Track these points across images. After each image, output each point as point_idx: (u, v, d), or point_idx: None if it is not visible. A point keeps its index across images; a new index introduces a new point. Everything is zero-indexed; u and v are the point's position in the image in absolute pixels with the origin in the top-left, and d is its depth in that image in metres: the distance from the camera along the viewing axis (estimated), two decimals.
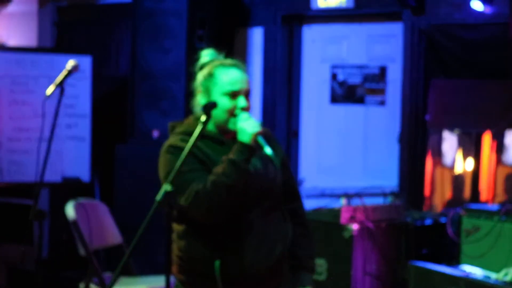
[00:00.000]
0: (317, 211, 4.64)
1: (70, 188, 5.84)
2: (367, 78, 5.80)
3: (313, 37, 6.09)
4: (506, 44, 4.97)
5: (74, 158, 5.82)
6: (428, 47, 5.31)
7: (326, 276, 4.52)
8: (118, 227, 4.93)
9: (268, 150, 2.68)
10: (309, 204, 5.66)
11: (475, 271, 4.17)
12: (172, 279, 2.81)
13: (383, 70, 5.73)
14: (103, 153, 6.02)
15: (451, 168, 5.34)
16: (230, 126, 2.77)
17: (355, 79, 5.85)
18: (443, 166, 5.36)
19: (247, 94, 2.80)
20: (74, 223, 4.50)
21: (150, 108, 5.61)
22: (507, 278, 3.92)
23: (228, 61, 2.85)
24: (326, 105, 6.00)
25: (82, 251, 4.54)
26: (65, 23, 6.85)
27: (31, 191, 5.58)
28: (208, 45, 5.58)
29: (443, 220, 4.79)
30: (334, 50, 5.96)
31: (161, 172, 2.82)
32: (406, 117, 5.40)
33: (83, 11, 6.83)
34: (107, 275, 4.61)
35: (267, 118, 5.97)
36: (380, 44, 5.75)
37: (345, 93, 5.91)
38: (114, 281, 2.56)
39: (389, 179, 5.52)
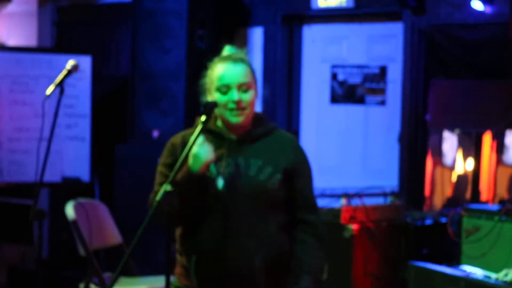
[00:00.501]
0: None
1: (70, 188, 5.83)
2: (367, 78, 5.79)
3: (313, 37, 6.08)
4: (506, 44, 4.97)
5: (74, 158, 5.82)
6: (428, 47, 5.31)
7: (326, 276, 4.51)
8: (118, 227, 4.93)
9: (220, 182, 2.66)
10: None
11: (475, 271, 4.16)
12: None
13: (383, 70, 5.73)
14: (103, 153, 6.01)
15: (452, 168, 5.33)
16: (231, 120, 2.75)
17: (355, 79, 5.85)
18: (443, 166, 5.35)
19: (246, 88, 2.73)
20: (74, 223, 4.50)
21: (150, 108, 5.61)
22: (508, 278, 3.91)
23: (226, 55, 2.79)
24: (326, 105, 6.00)
25: (82, 251, 4.53)
26: (65, 23, 6.85)
27: (31, 191, 5.58)
28: (208, 45, 5.63)
29: (443, 220, 4.79)
30: (334, 50, 5.96)
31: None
32: (406, 117, 5.40)
33: (83, 11, 6.82)
34: (107, 275, 4.60)
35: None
36: (380, 44, 5.75)
37: (345, 93, 5.90)
38: (114, 281, 2.55)
39: (389, 179, 5.52)
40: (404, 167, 5.40)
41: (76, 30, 6.78)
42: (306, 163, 2.87)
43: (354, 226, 4.44)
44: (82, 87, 5.83)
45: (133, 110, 5.69)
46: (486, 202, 5.01)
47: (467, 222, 4.39)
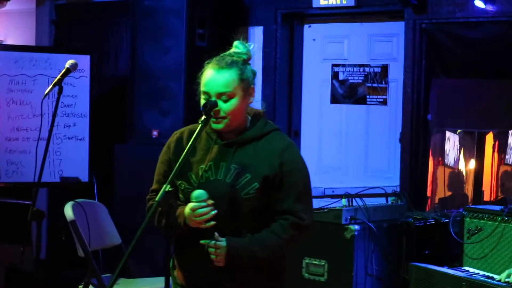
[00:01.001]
0: (318, 211, 4.60)
1: (68, 188, 5.81)
2: (368, 77, 5.77)
3: (314, 35, 6.06)
4: (509, 43, 4.95)
5: (72, 158, 5.79)
6: (430, 46, 5.29)
7: (327, 277, 4.49)
8: (117, 228, 4.92)
9: (195, 192, 2.71)
10: None
11: (477, 272, 4.14)
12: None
13: (384, 69, 5.71)
14: (102, 153, 5.99)
15: (453, 168, 5.31)
16: (212, 126, 2.78)
17: (356, 78, 5.82)
18: (445, 166, 5.33)
19: (226, 97, 2.74)
20: (73, 223, 4.48)
21: (150, 108, 5.59)
22: (510, 279, 3.89)
23: (216, 60, 2.80)
24: (327, 105, 5.98)
25: (80, 252, 4.52)
26: (63, 21, 6.83)
27: (29, 191, 5.56)
28: (208, 44, 5.60)
29: (445, 220, 4.76)
30: (335, 49, 5.94)
31: None
32: (408, 117, 5.38)
33: (82, 9, 6.80)
34: (106, 276, 4.58)
35: (267, 118, 5.92)
36: (382, 43, 5.73)
37: (346, 92, 5.88)
38: (113, 282, 2.54)
39: (391, 179, 5.50)
40: (405, 167, 5.38)
41: (75, 28, 6.76)
42: (295, 171, 2.80)
43: (355, 227, 4.42)
44: (81, 86, 5.81)
45: (132, 110, 5.67)
46: (488, 202, 4.99)
47: (469, 223, 4.37)
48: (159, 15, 5.54)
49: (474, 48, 5.11)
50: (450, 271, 4.11)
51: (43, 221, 3.73)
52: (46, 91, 3.58)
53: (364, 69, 5.79)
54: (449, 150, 5.34)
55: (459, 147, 5.28)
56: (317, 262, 4.52)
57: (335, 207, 4.58)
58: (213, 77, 2.75)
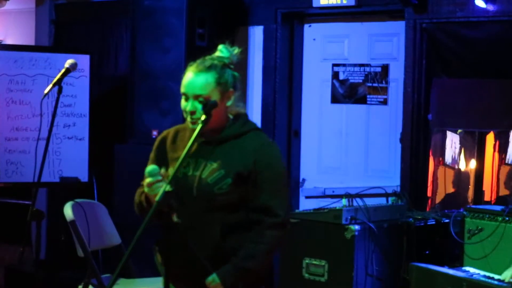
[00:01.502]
0: (318, 211, 4.60)
1: (68, 188, 5.80)
2: (368, 77, 5.76)
3: (314, 35, 6.05)
4: (509, 42, 4.94)
5: (72, 158, 5.79)
6: (431, 46, 5.29)
7: (327, 277, 4.49)
8: (117, 228, 4.91)
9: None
10: (310, 204, 5.64)
11: (478, 272, 4.13)
12: None
13: (385, 69, 5.70)
14: (102, 153, 5.99)
15: (454, 167, 5.31)
16: (189, 126, 2.89)
17: (357, 78, 5.82)
18: (445, 165, 5.32)
19: (203, 99, 2.83)
20: (72, 223, 4.48)
21: (149, 107, 5.58)
22: (511, 279, 3.88)
23: (195, 63, 2.94)
24: (328, 104, 5.97)
25: (80, 252, 4.52)
26: (63, 21, 6.82)
27: (29, 191, 5.55)
28: (208, 44, 5.59)
29: (445, 220, 4.76)
30: (336, 49, 5.93)
31: None
32: (408, 117, 5.37)
33: (81, 9, 6.79)
34: (106, 276, 4.58)
35: (267, 118, 5.93)
36: (382, 43, 5.72)
37: (347, 92, 5.87)
38: (113, 283, 2.54)
39: (391, 179, 5.50)
40: (406, 167, 5.37)
41: (74, 28, 6.76)
42: (269, 168, 2.90)
43: (355, 227, 4.41)
44: (81, 86, 5.80)
45: (132, 110, 5.67)
46: (489, 202, 4.98)
47: (470, 223, 4.37)
48: (159, 15, 5.53)
49: (475, 48, 5.10)
50: (451, 271, 4.10)
51: (42, 221, 3.73)
52: (46, 91, 3.58)
53: (364, 68, 5.79)
54: (449, 150, 5.33)
55: (460, 147, 5.27)
56: (317, 263, 4.52)
57: (335, 207, 4.58)
58: (191, 80, 2.88)
